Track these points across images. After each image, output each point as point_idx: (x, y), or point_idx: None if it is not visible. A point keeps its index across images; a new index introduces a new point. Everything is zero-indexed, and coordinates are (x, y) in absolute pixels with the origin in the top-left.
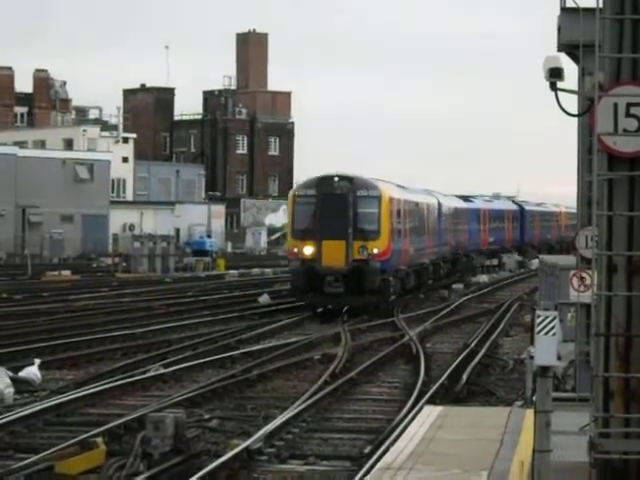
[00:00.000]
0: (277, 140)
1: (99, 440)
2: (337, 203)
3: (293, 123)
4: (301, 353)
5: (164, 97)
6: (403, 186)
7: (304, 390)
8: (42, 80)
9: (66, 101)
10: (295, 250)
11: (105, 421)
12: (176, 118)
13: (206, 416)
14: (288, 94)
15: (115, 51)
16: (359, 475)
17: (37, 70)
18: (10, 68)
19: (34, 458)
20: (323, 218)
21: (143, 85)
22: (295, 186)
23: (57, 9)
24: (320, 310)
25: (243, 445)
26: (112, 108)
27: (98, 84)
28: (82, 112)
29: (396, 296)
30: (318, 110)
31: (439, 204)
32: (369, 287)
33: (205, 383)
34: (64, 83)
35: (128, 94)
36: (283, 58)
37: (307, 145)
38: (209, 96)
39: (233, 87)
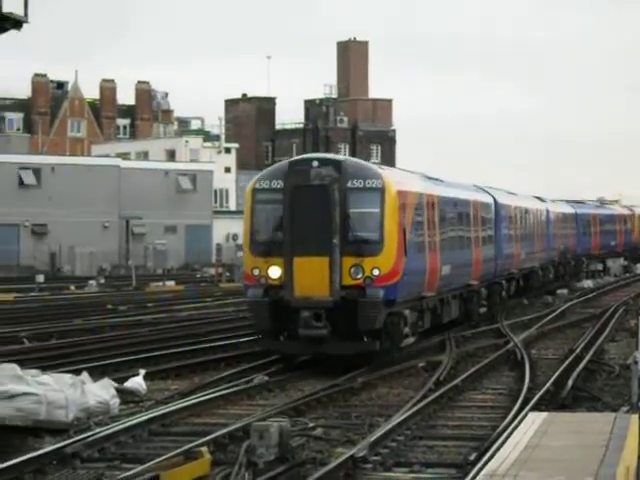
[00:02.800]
0: (379, 147)
1: (204, 449)
2: (316, 200)
3: (394, 130)
4: (406, 361)
5: (266, 106)
6: (439, 179)
7: (408, 398)
8: (144, 92)
9: (168, 112)
10: (255, 272)
11: (210, 431)
12: (278, 127)
13: (311, 424)
14: (389, 101)
15: (217, 61)
16: None
17: (139, 82)
18: (112, 81)
19: (140, 468)
20: (295, 223)
21: (245, 95)
22: (257, 176)
23: (159, 22)
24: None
25: (348, 453)
26: (214, 118)
27: (200, 95)
28: (184, 123)
29: (417, 337)
30: (420, 117)
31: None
32: (367, 327)
33: (309, 392)
34: (166, 94)
35: (230, 104)
36: (384, 66)
37: (409, 153)
38: (310, 105)
39: (334, 96)
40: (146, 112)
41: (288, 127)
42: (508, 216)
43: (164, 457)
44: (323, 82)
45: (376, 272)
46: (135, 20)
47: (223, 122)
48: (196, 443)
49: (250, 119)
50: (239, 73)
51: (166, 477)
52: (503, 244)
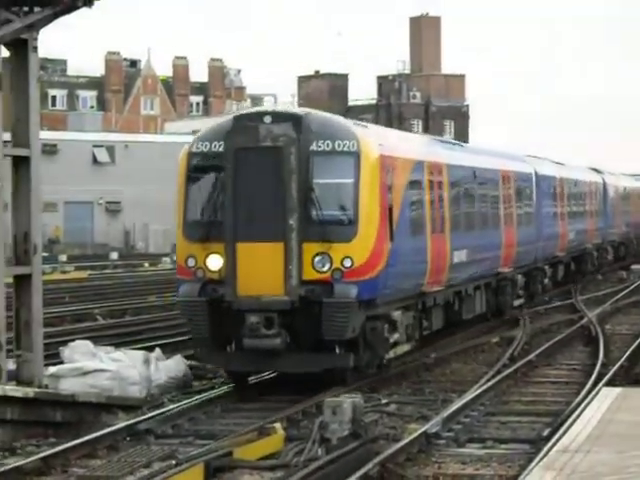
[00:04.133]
0: (452, 123)
1: (277, 426)
2: (268, 167)
3: (468, 106)
4: (479, 336)
5: (338, 83)
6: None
7: (482, 373)
8: (217, 69)
9: (241, 89)
10: (190, 263)
11: (283, 407)
12: (350, 103)
13: (384, 401)
14: (462, 77)
15: (289, 38)
16: (537, 458)
17: (212, 59)
18: (185, 58)
19: (213, 444)
20: (239, 198)
21: (317, 71)
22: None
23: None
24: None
25: (421, 429)
26: (287, 95)
27: (272, 72)
28: (257, 100)
29: (416, 342)
30: (493, 92)
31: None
32: (333, 336)
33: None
34: (239, 71)
35: (302, 81)
36: (456, 40)
37: (482, 128)
38: (383, 81)
39: (407, 71)
40: (219, 89)
41: (360, 103)
42: (552, 190)
43: (237, 433)
44: (396, 58)
45: (348, 263)
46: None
47: (296, 99)
48: (270, 419)
49: (322, 95)
50: (312, 49)
51: (239, 453)
52: (545, 223)
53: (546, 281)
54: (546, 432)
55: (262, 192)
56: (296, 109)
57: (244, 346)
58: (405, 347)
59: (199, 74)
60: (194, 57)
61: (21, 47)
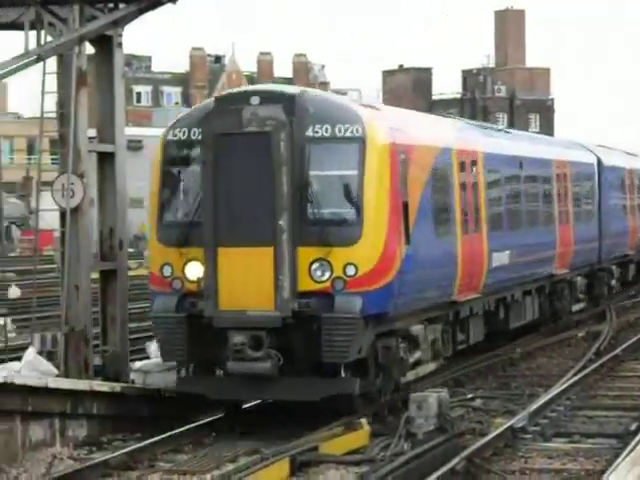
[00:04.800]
0: (537, 117)
1: (363, 421)
2: (254, 157)
3: (553, 99)
4: (565, 331)
5: (422, 77)
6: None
7: (568, 368)
8: (301, 64)
9: (325, 84)
10: (165, 271)
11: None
12: (435, 98)
13: (469, 395)
14: (547, 70)
15: (373, 33)
16: (625, 452)
17: (296, 55)
18: (269, 53)
19: (300, 439)
20: (220, 195)
21: (401, 66)
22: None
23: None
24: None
25: (507, 424)
26: (372, 90)
27: (356, 67)
28: (342, 94)
29: (444, 360)
30: (579, 85)
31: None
32: (334, 359)
33: (469, 363)
34: (323, 67)
35: (387, 75)
36: (541, 34)
37: (568, 121)
38: (468, 75)
39: (492, 65)
40: (303, 84)
41: (445, 97)
42: (619, 182)
43: (324, 428)
44: (480, 52)
45: (351, 270)
46: None
47: (380, 93)
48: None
49: (407, 90)
50: (396, 44)
51: (325, 448)
52: (611, 218)
53: (613, 282)
54: (633, 426)
55: (247, 187)
56: (289, 88)
57: (228, 370)
58: (430, 366)
59: (283, 69)
60: (278, 52)
61: (106, 44)
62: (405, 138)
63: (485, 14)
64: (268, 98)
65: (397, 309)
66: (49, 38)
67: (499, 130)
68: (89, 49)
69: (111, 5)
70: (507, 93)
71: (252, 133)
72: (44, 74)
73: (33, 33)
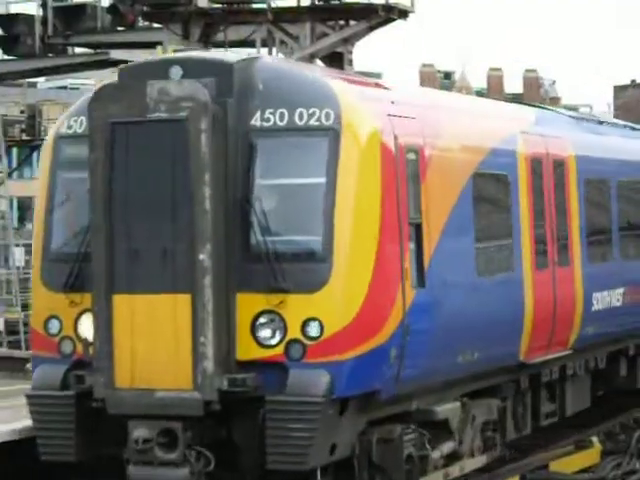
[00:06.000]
0: None
1: (594, 439)
2: (163, 159)
3: None
4: None
5: None
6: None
7: None
8: (532, 80)
9: (556, 99)
10: (52, 328)
11: (600, 420)
12: None
13: None
14: None
15: (603, 48)
16: None
17: (527, 70)
18: (499, 69)
19: (530, 457)
20: (117, 216)
21: (633, 81)
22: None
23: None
24: None
25: None
26: (602, 105)
27: (587, 82)
28: (572, 110)
29: (501, 452)
30: None
31: None
32: (287, 462)
33: None
34: (553, 82)
35: (618, 90)
36: None
37: None
38: None
39: None
40: (534, 99)
41: None
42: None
43: (555, 446)
44: None
45: (314, 330)
46: (523, 11)
47: (612, 109)
48: (586, 433)
49: (639, 104)
50: (628, 59)
51: (555, 466)
52: None
53: None
54: None
55: (154, 204)
56: (231, 53)
57: (129, 477)
58: (476, 461)
59: (514, 85)
60: (509, 68)
61: (337, 60)
62: (419, 130)
63: None
64: (194, 69)
65: (402, 384)
66: (280, 55)
67: (599, 122)
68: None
69: (342, 22)
70: None
71: (159, 122)
72: None
73: (264, 50)
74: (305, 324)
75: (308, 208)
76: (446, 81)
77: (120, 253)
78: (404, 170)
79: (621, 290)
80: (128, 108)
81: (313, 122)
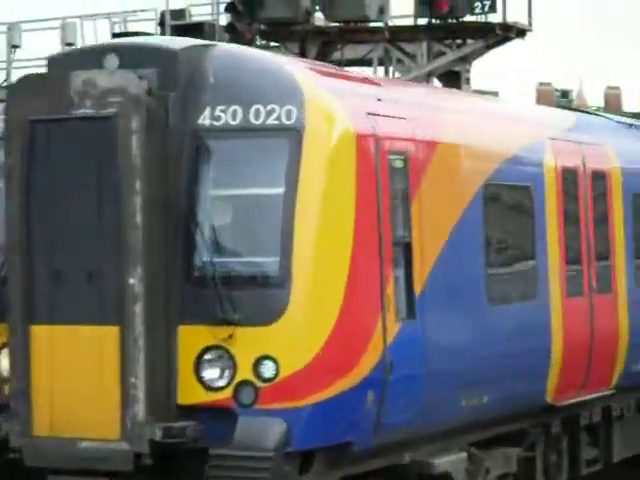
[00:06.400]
0: None
1: None
2: (88, 163)
3: None
4: None
5: None
6: None
7: None
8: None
9: None
10: None
11: None
12: None
13: None
14: None
15: None
16: None
17: None
18: (617, 87)
19: None
20: (34, 232)
21: None
22: None
23: None
24: None
25: None
26: None
27: None
28: None
29: None
30: None
31: None
32: None
33: None
34: None
35: None
36: None
37: None
38: None
39: None
40: None
41: None
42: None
43: None
44: None
45: (269, 369)
46: None
47: None
48: None
49: None
50: None
51: None
52: None
53: None
54: None
55: (77, 217)
56: (178, 38)
57: None
58: None
59: (632, 104)
60: (627, 86)
61: (454, 79)
62: (410, 132)
63: None
64: (134, 59)
65: (384, 433)
66: (397, 74)
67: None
68: (436, 84)
69: (459, 41)
70: None
71: (84, 119)
72: None
73: (381, 69)
74: (258, 363)
75: (263, 224)
76: (563, 100)
77: (39, 276)
78: (387, 179)
79: None
80: (50, 103)
81: (271, 121)
